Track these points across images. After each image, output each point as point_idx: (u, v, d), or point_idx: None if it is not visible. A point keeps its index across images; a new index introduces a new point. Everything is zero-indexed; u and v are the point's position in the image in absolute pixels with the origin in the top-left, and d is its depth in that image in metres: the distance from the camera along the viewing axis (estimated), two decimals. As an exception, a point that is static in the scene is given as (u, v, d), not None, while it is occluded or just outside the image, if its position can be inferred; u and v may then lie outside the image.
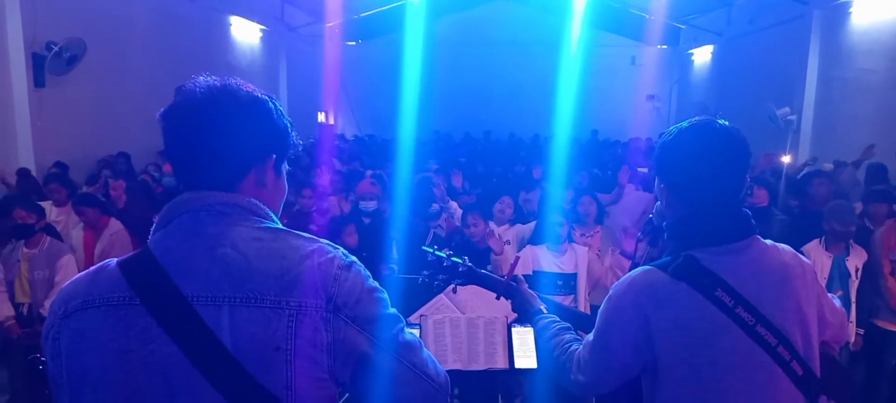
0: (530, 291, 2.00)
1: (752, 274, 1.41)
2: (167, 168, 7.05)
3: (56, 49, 6.78)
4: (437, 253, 2.08)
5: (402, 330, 1.18)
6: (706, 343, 1.36)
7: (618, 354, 1.46)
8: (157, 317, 1.03)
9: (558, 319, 1.79)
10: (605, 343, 1.48)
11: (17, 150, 6.57)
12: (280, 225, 1.17)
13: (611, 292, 1.49)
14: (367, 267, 1.19)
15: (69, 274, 4.36)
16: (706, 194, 1.45)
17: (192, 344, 1.01)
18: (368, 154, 10.79)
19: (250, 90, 1.17)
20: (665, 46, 15.61)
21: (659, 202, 1.60)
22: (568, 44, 12.55)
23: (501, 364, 2.30)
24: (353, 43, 15.85)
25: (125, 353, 1.02)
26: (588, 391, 1.58)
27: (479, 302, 2.43)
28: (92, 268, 1.14)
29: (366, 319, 1.11)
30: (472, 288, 2.51)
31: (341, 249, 1.16)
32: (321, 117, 16.05)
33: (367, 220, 4.93)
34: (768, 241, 1.50)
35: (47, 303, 4.26)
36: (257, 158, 1.17)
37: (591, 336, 1.53)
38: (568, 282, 3.86)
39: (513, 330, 2.33)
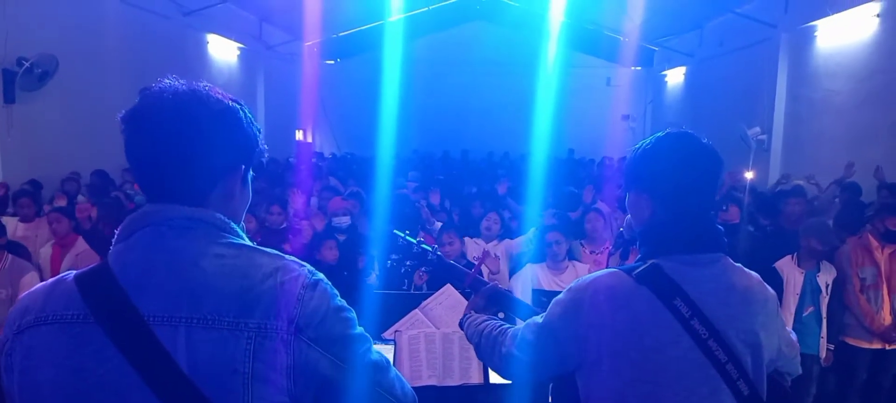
0: (498, 291, 1.93)
1: (713, 289, 1.42)
2: (138, 186, 6.94)
3: (27, 65, 6.67)
4: (407, 238, 2.06)
5: (369, 349, 1.14)
6: (657, 349, 1.37)
7: (563, 345, 1.46)
8: (112, 336, 0.99)
9: (490, 318, 1.78)
10: (552, 330, 1.48)
11: (-16, 166, 6.42)
12: (245, 240, 1.13)
13: (572, 285, 1.50)
14: (343, 282, 1.16)
15: (34, 293, 4.25)
16: (681, 202, 1.47)
17: (146, 366, 0.98)
18: (347, 172, 10.75)
19: (219, 96, 1.13)
20: (639, 68, 15.90)
21: (629, 216, 1.61)
22: (544, 64, 12.73)
23: (476, 379, 2.28)
24: (332, 62, 15.87)
25: (79, 372, 0.99)
26: (520, 370, 1.57)
27: (454, 317, 2.42)
28: (49, 282, 1.10)
29: (330, 339, 1.07)
30: (448, 303, 2.51)
31: (308, 267, 1.12)
32: (299, 135, 15.98)
33: (341, 237, 4.90)
34: (737, 264, 1.52)
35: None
36: (226, 170, 1.13)
37: (539, 319, 1.52)
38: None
39: None
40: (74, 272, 1.08)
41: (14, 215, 5.55)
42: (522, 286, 3.82)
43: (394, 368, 1.20)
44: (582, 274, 3.89)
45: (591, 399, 1.46)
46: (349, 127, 16.14)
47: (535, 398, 1.96)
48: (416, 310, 2.41)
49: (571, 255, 4.15)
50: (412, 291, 3.81)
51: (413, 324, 2.39)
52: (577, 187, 8.26)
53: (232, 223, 1.12)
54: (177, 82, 1.11)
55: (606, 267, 1.59)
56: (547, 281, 3.89)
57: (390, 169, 8.66)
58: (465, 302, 2.31)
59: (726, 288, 1.44)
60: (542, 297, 3.72)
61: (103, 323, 0.99)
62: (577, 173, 11.03)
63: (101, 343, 0.99)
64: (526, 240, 4.73)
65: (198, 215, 1.08)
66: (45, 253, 4.85)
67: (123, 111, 1.09)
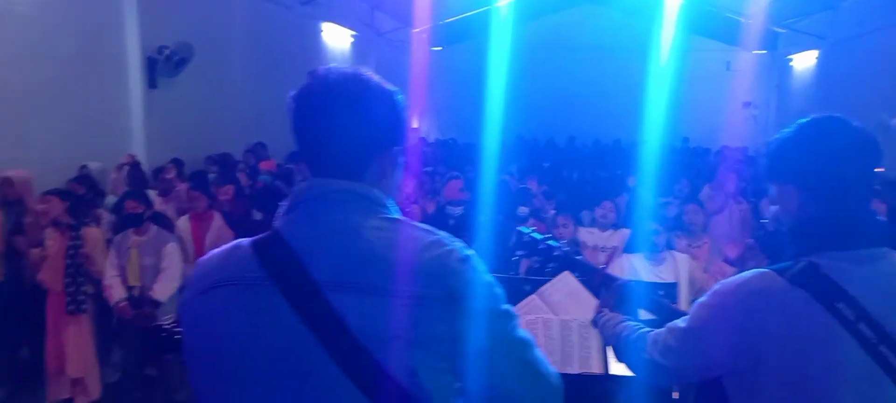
0: (631, 288, 1.91)
1: (880, 288, 1.30)
2: (263, 166, 7.40)
3: (167, 53, 7.27)
4: (533, 234, 2.05)
5: (517, 326, 1.16)
6: (820, 358, 1.27)
7: (709, 350, 1.40)
8: (288, 298, 1.05)
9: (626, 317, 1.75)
10: (697, 335, 1.42)
11: (132, 147, 7.09)
12: (399, 217, 1.17)
13: (717, 287, 1.42)
14: None
15: (174, 261, 4.65)
16: (836, 193, 1.37)
17: (321, 327, 1.03)
18: (452, 158, 10.88)
19: (379, 80, 1.19)
20: (763, 51, 14.82)
21: (776, 206, 1.51)
22: (657, 48, 12.16)
23: (597, 368, 2.24)
24: (438, 48, 16.05)
25: (257, 330, 1.06)
26: (662, 376, 1.53)
27: (571, 304, 2.36)
28: (225, 248, 1.18)
29: (483, 312, 1.10)
30: (565, 290, 2.46)
31: (459, 242, 1.15)
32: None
33: (451, 222, 4.96)
34: None
35: (156, 287, 4.56)
36: (383, 148, 1.18)
37: (681, 323, 1.47)
38: (668, 292, 3.71)
39: None
40: (249, 239, 1.16)
41: (153, 189, 6.10)
42: (619, 276, 3.69)
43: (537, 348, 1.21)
44: (682, 265, 3.75)
45: None
46: (454, 113, 16.22)
47: (661, 394, 1.92)
48: (534, 295, 2.38)
49: (669, 247, 3.97)
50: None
51: (530, 309, 2.36)
52: (694, 177, 7.89)
53: (386, 198, 1.17)
54: (342, 67, 1.18)
55: (730, 259, 1.51)
56: (646, 273, 3.75)
57: (494, 155, 8.67)
58: (584, 290, 2.23)
59: (893, 285, 1.32)
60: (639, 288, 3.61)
61: (280, 286, 1.06)
62: (693, 163, 10.51)
63: (278, 304, 1.05)
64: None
65: (357, 189, 1.14)
66: (183, 225, 5.29)
67: (292, 91, 1.17)
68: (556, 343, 2.30)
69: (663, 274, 3.75)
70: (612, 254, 3.49)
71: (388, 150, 1.20)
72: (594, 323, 1.85)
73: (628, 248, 4.01)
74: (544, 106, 15.37)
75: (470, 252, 1.15)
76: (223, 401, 1.09)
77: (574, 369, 2.25)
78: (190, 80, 7.89)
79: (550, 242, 2.05)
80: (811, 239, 1.38)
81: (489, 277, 1.15)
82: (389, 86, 1.20)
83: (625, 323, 1.69)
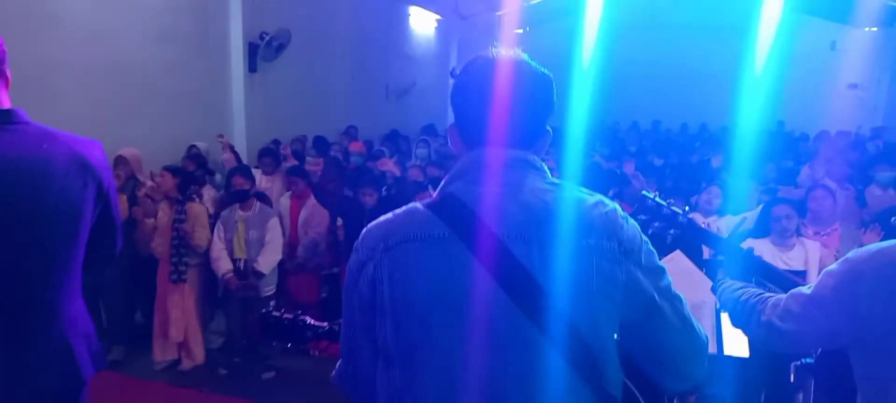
0: (757, 260, 1.87)
1: None
2: (354, 147, 7.63)
3: (267, 38, 7.59)
4: (657, 200, 2.03)
5: (672, 283, 1.24)
6: None
7: (835, 318, 1.37)
8: (474, 251, 1.13)
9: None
10: (822, 303, 1.40)
11: (233, 129, 7.48)
12: (559, 181, 1.26)
13: (850, 255, 1.39)
14: None
15: (276, 235, 4.91)
16: None
17: (507, 277, 1.12)
18: None
19: (537, 65, 1.28)
20: (874, 28, 13.71)
21: None
22: (756, 27, 11.50)
23: (711, 349, 2.20)
24: (522, 30, 15.87)
25: (447, 282, 1.15)
26: (779, 341, 1.50)
27: (683, 284, 2.34)
28: (399, 212, 1.26)
29: (648, 267, 1.19)
30: (678, 270, 2.43)
31: (614, 202, 1.24)
32: None
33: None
34: None
35: (260, 260, 4.83)
36: (543, 125, 1.29)
37: (806, 290, 1.45)
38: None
39: (722, 314, 2.23)
40: (422, 203, 1.26)
41: (257, 169, 6.42)
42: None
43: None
44: (812, 253, 3.58)
45: (874, 379, 1.35)
46: None
47: (775, 374, 1.86)
48: None
49: (798, 232, 3.78)
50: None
51: None
52: (795, 162, 7.48)
53: (547, 168, 1.29)
54: (501, 49, 1.27)
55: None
56: (772, 258, 3.58)
57: (580, 140, 8.50)
58: (696, 271, 2.19)
59: None
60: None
61: (465, 240, 1.15)
62: (793, 148, 9.93)
63: (465, 257, 1.14)
64: (752, 217, 4.39)
65: (528, 158, 1.25)
66: (284, 203, 5.59)
67: (454, 68, 1.30)
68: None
69: (792, 261, 3.61)
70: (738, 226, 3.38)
71: (545, 126, 1.31)
72: (713, 290, 1.85)
73: (755, 232, 3.86)
74: (628, 89, 14.84)
75: (625, 213, 1.24)
76: (415, 347, 1.17)
77: (686, 349, 2.22)
78: (287, 65, 8.20)
79: (675, 208, 2.01)
80: None
81: (644, 236, 1.23)
82: (547, 71, 1.29)
83: (744, 288, 1.67)
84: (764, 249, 3.64)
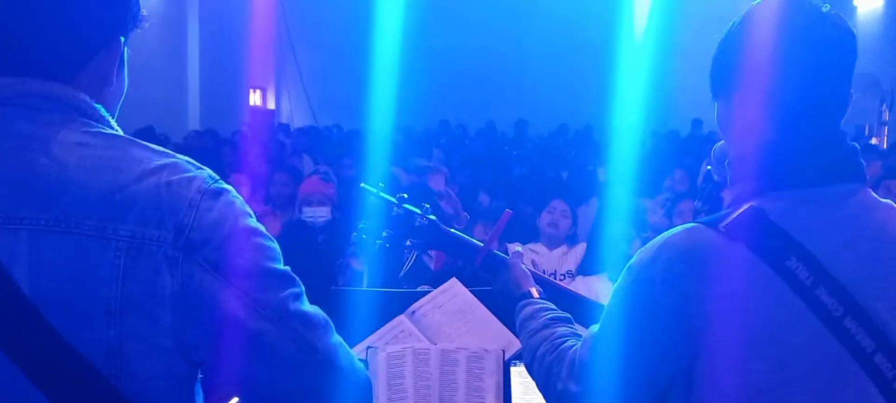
0: (524, 269, 1.50)
1: (846, 238, 1.03)
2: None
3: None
4: (381, 194, 1.56)
5: (296, 296, 0.90)
6: (770, 340, 1.00)
7: (639, 356, 1.08)
8: None
9: (553, 307, 1.38)
10: (616, 338, 1.10)
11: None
12: (120, 132, 0.93)
13: (632, 260, 1.11)
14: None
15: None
16: (792, 107, 1.06)
17: None
18: (325, 150, 8.05)
19: None
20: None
21: (719, 143, 1.22)
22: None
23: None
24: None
25: None
26: None
27: (460, 325, 1.77)
28: None
29: (236, 269, 0.87)
30: (453, 306, 1.81)
31: (208, 170, 0.92)
32: (254, 98, 12.05)
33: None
34: (887, 200, 1.10)
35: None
36: (100, 42, 0.93)
37: (595, 327, 1.16)
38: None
39: (512, 368, 1.65)
40: None
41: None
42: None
43: (338, 334, 0.95)
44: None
45: None
46: (330, 86, 11.91)
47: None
48: (402, 317, 1.73)
49: None
50: (416, 289, 2.57)
51: (395, 337, 1.71)
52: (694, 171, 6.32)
53: (104, 110, 0.93)
54: None
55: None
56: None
57: (398, 146, 6.54)
58: (479, 305, 1.73)
59: (868, 237, 1.04)
60: None
61: None
62: (700, 152, 8.46)
63: None
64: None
65: (57, 93, 0.90)
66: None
67: None
68: (432, 385, 1.67)
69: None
70: (505, 219, 2.37)
71: (109, 43, 0.95)
72: (516, 310, 1.44)
73: (585, 268, 3.24)
74: (465, 81, 11.74)
75: (227, 186, 0.92)
76: None
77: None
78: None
79: (408, 206, 1.53)
80: (757, 173, 1.10)
81: (256, 224, 0.90)
82: None
83: (546, 331, 1.29)
84: (604, 289, 2.99)
